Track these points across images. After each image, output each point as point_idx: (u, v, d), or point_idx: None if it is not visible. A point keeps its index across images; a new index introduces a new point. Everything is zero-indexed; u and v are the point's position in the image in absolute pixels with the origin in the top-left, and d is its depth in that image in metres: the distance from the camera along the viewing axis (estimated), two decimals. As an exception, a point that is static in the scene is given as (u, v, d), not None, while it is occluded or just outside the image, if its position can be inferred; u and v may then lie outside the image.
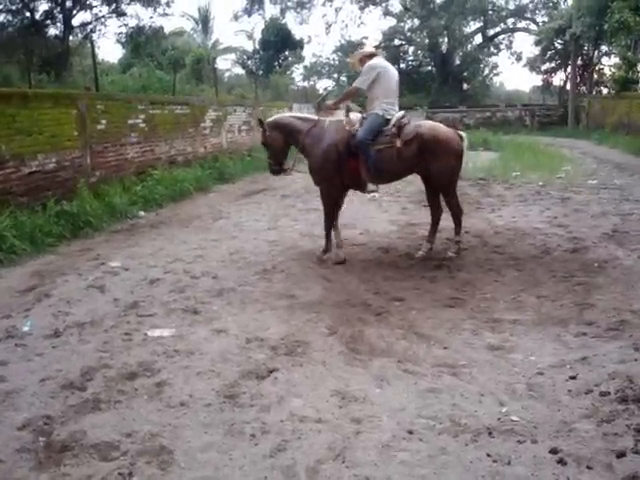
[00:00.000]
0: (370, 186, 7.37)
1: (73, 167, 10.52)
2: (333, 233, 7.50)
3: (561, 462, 3.21)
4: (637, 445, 3.32)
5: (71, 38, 28.28)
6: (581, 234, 8.43)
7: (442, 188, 7.39)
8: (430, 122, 7.63)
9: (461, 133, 7.39)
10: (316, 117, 7.85)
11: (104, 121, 11.67)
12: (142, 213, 10.96)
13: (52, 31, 28.00)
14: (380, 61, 7.51)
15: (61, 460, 3.37)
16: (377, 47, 7.84)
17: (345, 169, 7.22)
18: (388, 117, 7.17)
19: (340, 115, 7.70)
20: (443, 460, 3.28)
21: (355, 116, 7.42)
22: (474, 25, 42.67)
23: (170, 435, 3.61)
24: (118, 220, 10.26)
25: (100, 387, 4.24)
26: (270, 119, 7.87)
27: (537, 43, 37.05)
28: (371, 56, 7.44)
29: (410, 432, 3.57)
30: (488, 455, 3.30)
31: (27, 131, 9.37)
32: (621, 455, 3.24)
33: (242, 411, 3.88)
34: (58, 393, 4.16)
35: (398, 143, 7.04)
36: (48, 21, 27.35)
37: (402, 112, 7.30)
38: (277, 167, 7.84)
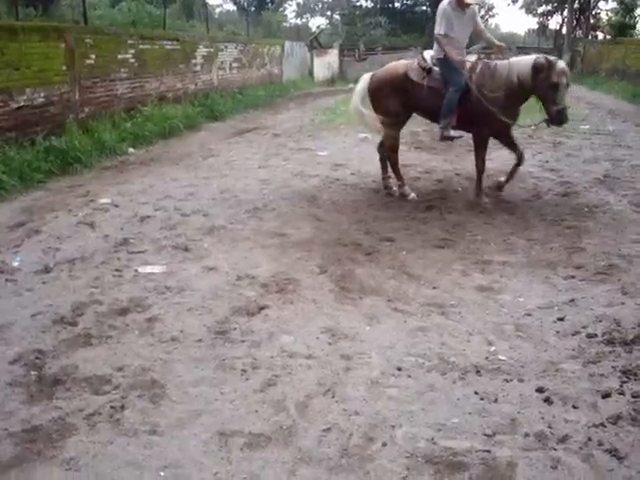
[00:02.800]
0: None
1: (62, 102, 10.36)
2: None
3: (547, 401, 3.26)
4: (622, 386, 3.38)
5: (59, -30, 27.51)
6: (572, 179, 8.43)
7: None
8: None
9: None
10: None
11: (93, 56, 11.43)
12: (132, 150, 10.86)
13: (39, -37, 27.20)
14: None
15: (53, 393, 3.40)
16: None
17: None
18: None
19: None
20: (431, 397, 3.33)
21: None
22: (471, -37, 41.87)
23: (161, 369, 3.64)
24: (107, 157, 10.15)
25: (91, 322, 4.26)
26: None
27: (535, -16, 36.54)
28: None
29: (399, 369, 3.61)
30: (475, 393, 3.35)
31: (15, 65, 9.18)
32: (606, 395, 3.30)
33: (233, 347, 3.91)
34: (49, 328, 4.18)
35: None
36: (36, -48, 26.56)
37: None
38: None
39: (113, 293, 4.74)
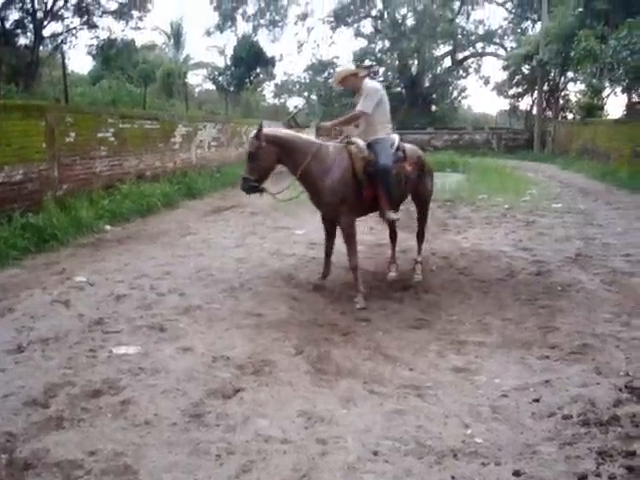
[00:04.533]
0: (391, 214, 6.85)
1: (40, 179, 10.40)
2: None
3: (524, 485, 3.25)
4: (598, 468, 3.38)
5: (41, 48, 28.10)
6: (545, 257, 8.54)
7: (426, 208, 7.75)
8: (409, 145, 7.44)
9: None
10: (317, 140, 7.06)
11: (73, 134, 11.57)
12: (109, 227, 10.86)
13: (22, 41, 27.88)
14: (377, 83, 7.24)
15: (23, 478, 3.33)
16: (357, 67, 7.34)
17: (361, 197, 6.71)
18: (392, 142, 6.91)
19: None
20: (408, 482, 3.30)
21: (360, 141, 6.78)
22: (444, 48, 43.56)
23: (134, 454, 3.58)
24: (84, 234, 10.13)
25: (64, 404, 4.19)
26: (269, 130, 6.58)
27: (505, 68, 37.79)
28: (356, 75, 6.91)
29: (375, 453, 3.58)
30: (452, 477, 3.33)
31: (-5, 142, 9.27)
32: (583, 478, 3.29)
33: (207, 431, 3.86)
34: (20, 410, 4.10)
35: (407, 166, 6.95)
36: (18, 30, 27.20)
37: (397, 135, 7.10)
38: (256, 185, 6.56)
39: (86, 374, 4.68)
